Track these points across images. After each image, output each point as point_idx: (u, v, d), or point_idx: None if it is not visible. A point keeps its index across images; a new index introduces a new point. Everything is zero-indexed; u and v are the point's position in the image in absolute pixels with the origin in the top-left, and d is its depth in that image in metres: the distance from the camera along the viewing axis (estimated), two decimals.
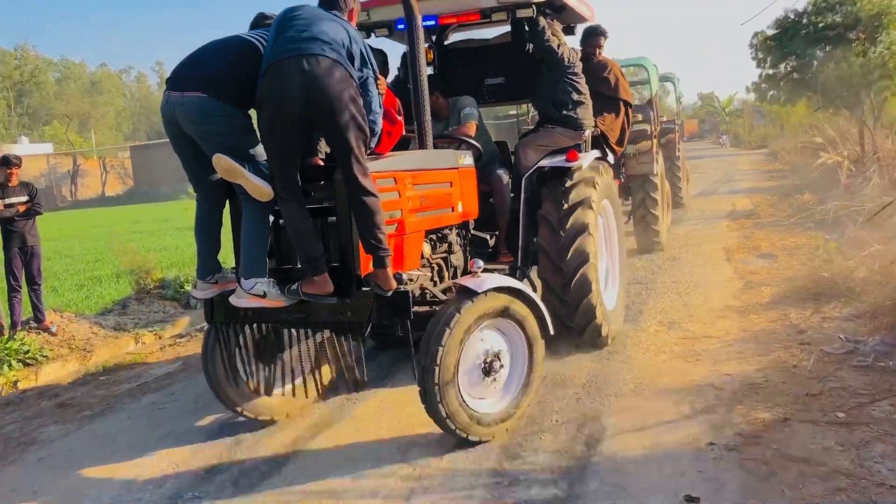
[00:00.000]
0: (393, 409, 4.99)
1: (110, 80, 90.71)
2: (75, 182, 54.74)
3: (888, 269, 6.26)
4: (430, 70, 6.62)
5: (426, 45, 6.21)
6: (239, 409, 4.66)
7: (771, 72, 42.99)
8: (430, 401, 3.99)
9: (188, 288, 9.73)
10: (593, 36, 7.05)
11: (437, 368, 3.95)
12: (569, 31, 6.71)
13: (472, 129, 5.81)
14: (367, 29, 6.02)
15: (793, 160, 20.88)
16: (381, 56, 6.08)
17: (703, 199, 17.08)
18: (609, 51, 7.27)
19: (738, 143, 47.95)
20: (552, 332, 4.54)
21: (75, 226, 26.73)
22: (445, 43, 6.96)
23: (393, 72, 6.42)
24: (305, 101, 3.78)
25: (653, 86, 12.47)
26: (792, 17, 39.09)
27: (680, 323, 6.51)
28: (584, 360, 5.64)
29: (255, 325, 4.38)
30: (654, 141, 10.66)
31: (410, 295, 4.11)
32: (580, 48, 6.87)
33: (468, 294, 4.13)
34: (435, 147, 5.00)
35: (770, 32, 41.11)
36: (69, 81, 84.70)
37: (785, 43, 38.79)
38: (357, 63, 4.00)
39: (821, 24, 35.96)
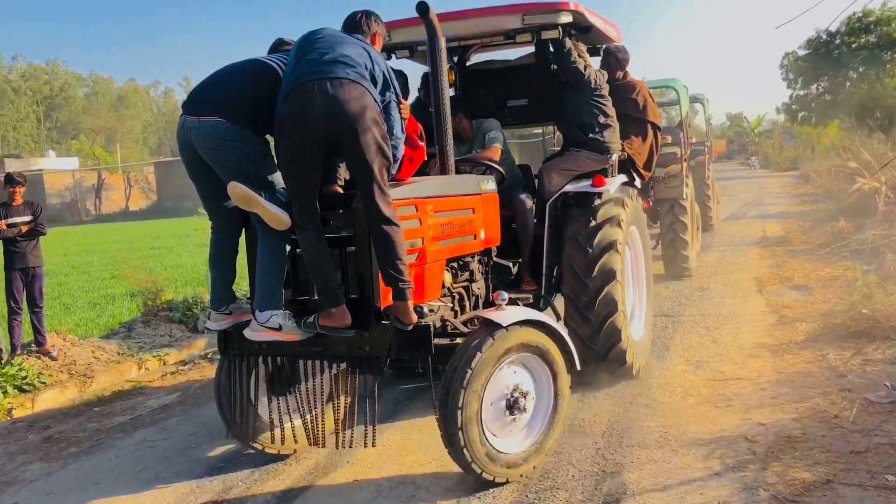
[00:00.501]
0: (396, 454, 4.63)
1: (137, 95, 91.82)
2: (99, 196, 55.14)
3: None
4: (451, 92, 6.45)
5: (448, 67, 6.26)
6: (249, 441, 4.48)
7: (802, 92, 42.31)
8: (452, 438, 3.78)
9: (196, 310, 9.46)
10: (612, 59, 6.68)
11: (461, 404, 3.75)
12: (594, 52, 6.54)
13: (496, 153, 5.67)
14: (388, 50, 5.89)
15: (825, 184, 20.26)
16: (402, 77, 5.88)
17: (732, 223, 16.58)
18: (637, 71, 7.01)
19: (767, 165, 47.17)
20: (579, 367, 4.34)
21: (97, 240, 26.76)
22: (467, 64, 6.80)
23: (413, 93, 6.24)
24: (328, 124, 3.65)
25: (683, 107, 12.24)
26: (824, 37, 38.42)
27: (709, 362, 6.08)
28: (606, 404, 5.24)
29: (269, 358, 4.20)
30: (684, 164, 10.42)
31: (432, 329, 3.91)
32: (608, 70, 6.52)
33: (493, 327, 3.93)
34: (457, 170, 4.89)
35: (801, 53, 40.39)
36: (97, 96, 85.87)
37: (817, 63, 38.17)
38: (380, 86, 3.90)
39: (854, 45, 35.29)
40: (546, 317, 4.27)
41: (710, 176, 14.79)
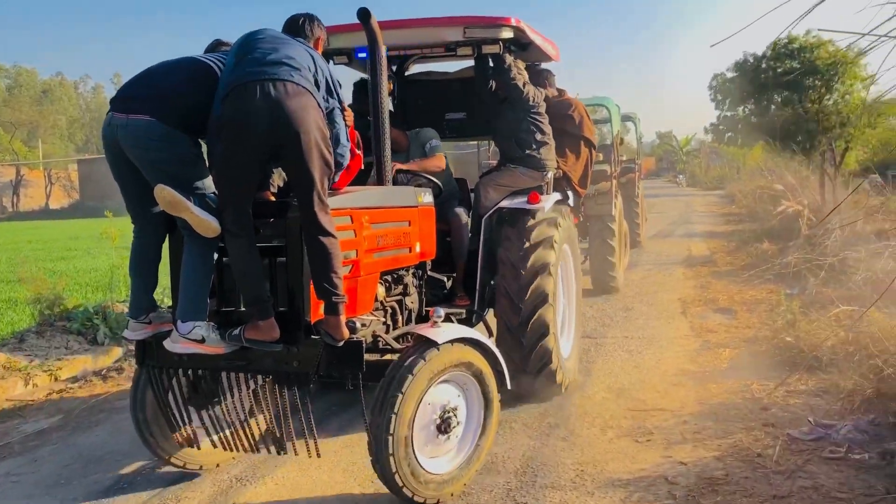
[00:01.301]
0: (317, 472, 4.30)
1: (63, 90, 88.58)
2: (17, 193, 52.91)
3: (858, 338, 5.66)
4: (389, 101, 6.41)
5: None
6: (167, 456, 4.29)
7: (729, 114, 43.38)
8: (381, 458, 3.63)
9: (97, 321, 8.82)
10: (538, 76, 6.53)
11: (392, 423, 3.60)
12: (532, 69, 6.48)
13: (441, 161, 5.70)
14: (326, 55, 5.70)
15: (750, 205, 20.60)
16: (359, 85, 5.98)
17: (659, 241, 16.62)
18: (571, 90, 6.89)
19: (694, 183, 48.21)
20: (510, 385, 4.31)
21: (8, 239, 25.42)
22: (406, 74, 6.76)
23: (347, 101, 5.84)
24: (270, 128, 3.49)
25: (614, 126, 12.32)
26: (751, 60, 39.45)
27: (630, 390, 5.83)
28: (522, 437, 4.92)
29: (190, 370, 4.00)
30: (614, 181, 10.56)
31: (364, 344, 3.76)
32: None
33: (427, 345, 3.81)
34: (395, 180, 4.95)
35: (729, 75, 41.34)
36: (21, 89, 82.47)
37: (743, 86, 39.13)
38: (323, 92, 3.79)
39: (779, 69, 36.32)
40: (480, 335, 4.15)
41: (640, 194, 15.03)
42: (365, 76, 6.21)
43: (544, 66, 6.76)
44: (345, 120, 4.01)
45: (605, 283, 10.16)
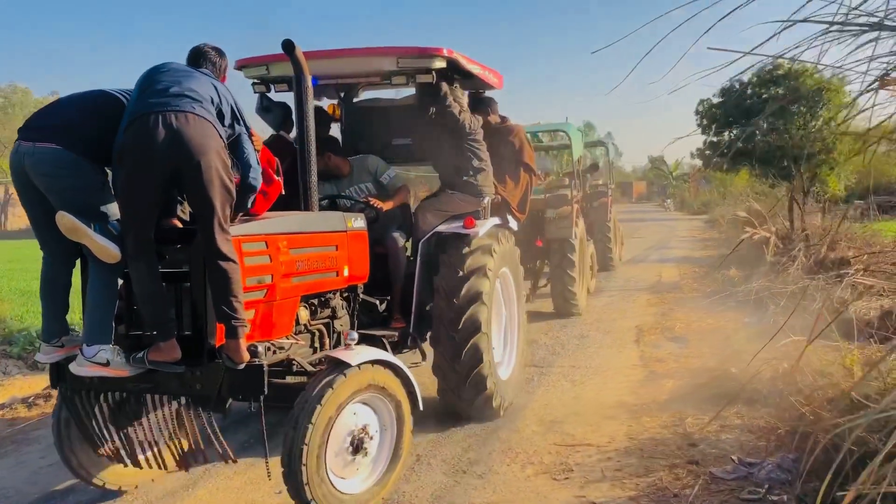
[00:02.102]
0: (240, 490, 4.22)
1: None
2: (5, 211, 52.62)
3: (790, 374, 5.47)
4: (336, 126, 6.70)
5: (334, 102, 6.68)
6: (89, 477, 4.36)
7: (715, 139, 43.62)
8: (295, 482, 3.68)
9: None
10: (480, 104, 6.74)
11: (305, 448, 3.66)
12: (477, 97, 6.76)
13: (405, 194, 6.07)
14: (266, 83, 5.93)
15: (728, 230, 20.48)
16: (284, 109, 6.01)
17: (632, 266, 16.48)
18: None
19: (682, 208, 48.19)
20: (421, 407, 4.39)
21: None
22: (354, 101, 6.89)
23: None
24: (171, 157, 3.61)
25: (575, 151, 12.24)
26: (737, 86, 39.64)
27: (563, 423, 5.63)
28: (436, 474, 4.72)
29: (108, 392, 4.11)
30: (575, 206, 10.55)
31: (265, 369, 3.81)
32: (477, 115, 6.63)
33: (341, 367, 3.92)
34: (339, 207, 5.35)
35: (715, 100, 41.64)
36: (14, 108, 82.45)
37: (729, 111, 39.31)
38: (228, 120, 3.91)
39: (764, 96, 36.50)
40: (393, 357, 4.28)
41: (612, 218, 15.10)
42: (320, 104, 6.43)
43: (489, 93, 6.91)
44: (253, 145, 4.10)
45: (565, 304, 10.24)
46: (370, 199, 5.76)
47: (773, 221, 13.77)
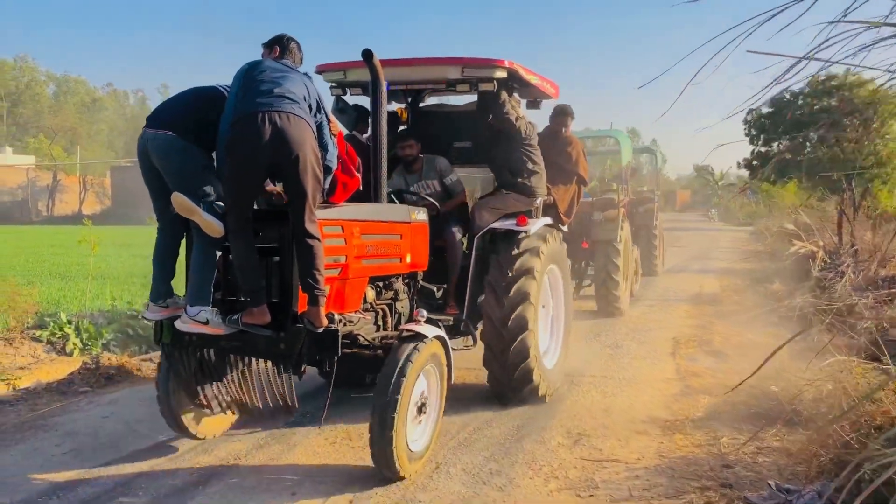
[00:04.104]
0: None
1: (113, 99, 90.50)
2: (53, 197, 53.65)
3: (835, 394, 5.17)
4: (404, 128, 7.16)
5: (402, 106, 7.26)
6: (180, 427, 4.98)
7: (763, 149, 42.64)
8: (383, 433, 4.23)
9: (68, 330, 8.61)
10: (561, 115, 7.94)
11: (398, 404, 4.24)
12: (533, 105, 7.37)
13: (463, 198, 6.56)
14: (342, 86, 6.58)
15: (773, 243, 19.91)
16: (357, 111, 6.69)
17: (672, 275, 16.10)
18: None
19: (726, 218, 47.24)
20: (453, 380, 5.01)
21: (33, 242, 25.58)
22: (420, 105, 7.42)
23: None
24: (274, 153, 4.17)
25: (624, 157, 12.24)
26: (787, 97, 38.62)
27: (590, 436, 5.41)
28: (455, 484, 4.53)
29: (205, 350, 4.60)
30: (622, 210, 10.90)
31: (339, 334, 4.38)
32: (552, 124, 7.91)
33: (419, 338, 4.55)
34: (404, 200, 5.96)
35: (765, 110, 40.55)
36: (67, 96, 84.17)
37: (778, 122, 38.34)
38: (314, 111, 4.44)
39: (816, 107, 35.52)
40: (444, 333, 4.83)
41: (658, 224, 15.24)
42: (390, 108, 6.90)
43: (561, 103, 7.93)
44: (330, 130, 4.63)
45: (609, 306, 10.64)
46: (433, 201, 6.23)
47: (821, 235, 13.28)
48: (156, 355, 8.47)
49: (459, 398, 6.22)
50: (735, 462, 4.83)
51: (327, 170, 4.51)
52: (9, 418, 5.88)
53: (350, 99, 6.79)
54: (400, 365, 4.34)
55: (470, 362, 7.53)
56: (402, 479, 4.41)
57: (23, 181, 53.29)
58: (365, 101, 6.84)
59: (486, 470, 4.74)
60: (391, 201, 5.72)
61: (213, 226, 4.28)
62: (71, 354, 8.37)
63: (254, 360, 4.56)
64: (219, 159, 4.40)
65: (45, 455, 4.98)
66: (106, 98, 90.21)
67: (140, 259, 19.04)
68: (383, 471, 4.38)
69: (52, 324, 8.73)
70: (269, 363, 4.48)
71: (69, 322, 8.80)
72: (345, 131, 6.70)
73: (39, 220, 49.28)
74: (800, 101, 38.89)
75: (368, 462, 4.48)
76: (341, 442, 5.29)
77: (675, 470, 4.73)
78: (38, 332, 8.59)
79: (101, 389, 6.77)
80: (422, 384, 4.61)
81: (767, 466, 4.72)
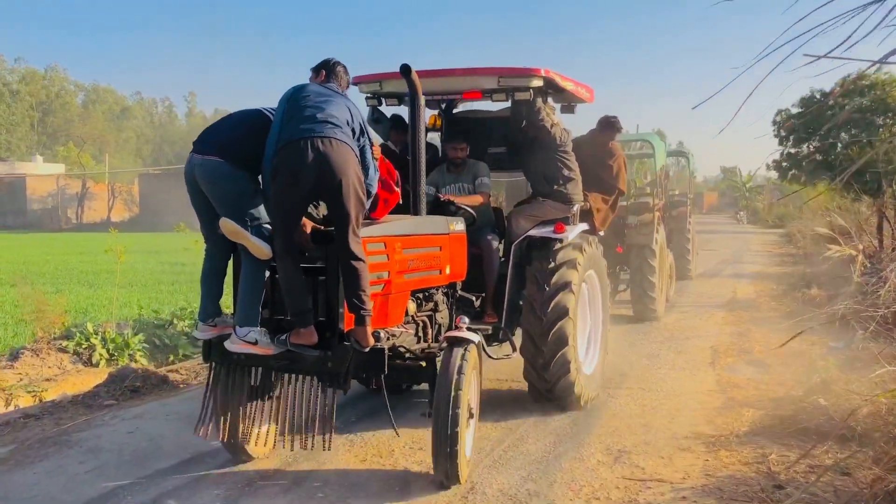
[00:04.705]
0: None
1: (140, 108, 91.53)
2: (82, 205, 54.22)
3: (894, 411, 4.90)
4: (437, 135, 7.32)
5: (435, 113, 7.27)
6: (229, 445, 4.90)
7: (793, 150, 41.96)
8: (451, 448, 4.31)
9: (94, 341, 8.52)
10: (608, 129, 7.95)
11: (459, 415, 4.33)
12: (568, 109, 7.30)
13: (479, 199, 6.30)
14: (378, 97, 6.58)
15: (807, 246, 19.48)
16: (392, 121, 6.78)
17: (704, 280, 15.75)
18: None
19: (755, 220, 46.55)
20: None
21: (66, 249, 25.77)
22: (454, 111, 7.45)
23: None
24: (318, 177, 4.20)
25: (658, 160, 12.07)
26: (818, 97, 38.04)
27: (631, 453, 5.18)
28: None
29: (253, 368, 4.68)
30: (657, 213, 10.76)
31: (386, 352, 4.43)
32: (596, 133, 7.95)
33: (464, 343, 4.60)
34: (438, 202, 5.90)
35: (794, 111, 40.02)
36: (95, 105, 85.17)
37: (809, 122, 37.73)
38: (357, 134, 4.47)
39: (847, 107, 34.89)
40: (481, 338, 4.87)
41: (691, 228, 15.11)
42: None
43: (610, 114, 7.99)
44: (372, 154, 4.63)
45: (645, 310, 10.50)
46: (470, 210, 6.04)
47: (859, 238, 12.89)
48: (181, 366, 8.39)
49: (492, 411, 6.04)
50: (787, 482, 4.58)
51: (368, 193, 4.53)
52: (33, 433, 5.76)
53: (385, 109, 6.85)
54: (455, 379, 4.39)
55: (500, 373, 7.36)
56: (449, 485, 4.51)
57: (53, 189, 53.94)
58: (399, 111, 6.96)
59: (524, 491, 4.53)
60: (428, 207, 5.65)
61: (261, 249, 4.33)
62: (97, 365, 8.29)
63: (299, 377, 4.55)
64: (264, 184, 4.45)
65: (69, 474, 4.84)
66: (135, 106, 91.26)
67: (168, 266, 19.15)
68: (445, 481, 4.47)
69: (78, 334, 8.65)
70: (314, 380, 4.48)
71: (95, 332, 8.72)
72: (378, 140, 6.69)
73: (69, 228, 49.83)
74: (831, 102, 38.18)
75: (399, 477, 4.47)
76: (372, 459, 5.11)
77: (724, 490, 4.48)
78: (64, 343, 8.51)
79: (126, 403, 6.64)
80: (470, 391, 4.64)
81: (822, 488, 4.45)
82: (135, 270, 17.79)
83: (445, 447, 4.32)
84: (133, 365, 7.93)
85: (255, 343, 4.37)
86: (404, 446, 5.33)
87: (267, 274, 4.50)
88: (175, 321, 9.96)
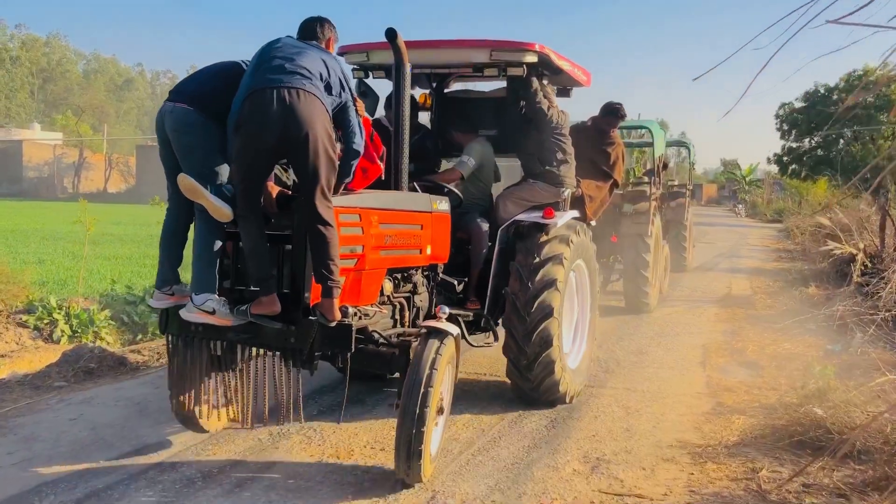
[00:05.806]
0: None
1: (142, 80, 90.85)
2: (78, 174, 53.62)
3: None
4: (427, 114, 7.03)
5: (426, 92, 6.94)
6: (188, 422, 4.72)
7: (794, 145, 41.57)
8: (414, 447, 4.00)
9: (58, 316, 8.10)
10: (612, 116, 7.94)
11: (427, 414, 4.01)
12: (564, 93, 7.05)
13: (453, 176, 6.02)
14: (365, 69, 6.30)
15: (805, 242, 19.06)
16: (375, 97, 6.33)
17: (699, 274, 15.34)
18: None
19: (753, 214, 46.11)
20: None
21: (58, 218, 25.23)
22: (445, 91, 7.09)
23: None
24: (283, 130, 3.94)
25: (657, 149, 11.59)
26: (822, 91, 37.59)
27: (610, 462, 4.78)
28: None
29: (209, 340, 4.41)
30: (653, 203, 10.33)
31: (353, 329, 4.14)
32: (598, 118, 7.92)
33: (441, 336, 4.29)
34: (425, 187, 5.56)
35: (798, 105, 39.62)
36: (97, 75, 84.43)
37: (812, 117, 37.38)
38: (336, 89, 4.20)
39: (847, 101, 34.50)
40: (461, 330, 4.68)
41: (689, 219, 14.76)
42: (412, 93, 6.54)
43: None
44: (357, 111, 4.34)
45: (637, 302, 10.20)
46: (455, 190, 5.82)
47: (860, 236, 12.48)
48: (145, 346, 7.99)
49: (466, 407, 5.68)
50: (778, 502, 4.19)
51: (354, 154, 4.28)
52: None
53: (372, 83, 6.50)
54: (427, 374, 4.08)
55: (479, 365, 6.98)
56: (411, 483, 4.24)
57: (49, 158, 53.33)
58: (387, 85, 6.49)
59: (489, 503, 4.14)
60: (412, 189, 5.37)
61: (221, 210, 4.08)
62: (58, 342, 7.88)
63: (262, 353, 4.40)
64: (228, 138, 4.18)
65: None
66: (137, 78, 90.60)
67: (156, 240, 18.62)
68: (406, 479, 4.17)
69: (40, 308, 8.23)
70: (279, 358, 4.29)
71: (59, 307, 8.30)
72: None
73: (65, 197, 49.22)
74: (834, 97, 37.76)
75: (356, 478, 4.12)
76: (328, 458, 4.71)
77: None
78: (25, 318, 8.11)
79: (77, 385, 6.24)
80: (443, 386, 4.33)
81: None
82: (122, 242, 17.36)
83: (409, 446, 4.01)
84: (91, 344, 7.49)
85: (213, 313, 4.11)
86: (366, 445, 4.94)
87: (222, 242, 4.25)
88: (147, 298, 9.53)
